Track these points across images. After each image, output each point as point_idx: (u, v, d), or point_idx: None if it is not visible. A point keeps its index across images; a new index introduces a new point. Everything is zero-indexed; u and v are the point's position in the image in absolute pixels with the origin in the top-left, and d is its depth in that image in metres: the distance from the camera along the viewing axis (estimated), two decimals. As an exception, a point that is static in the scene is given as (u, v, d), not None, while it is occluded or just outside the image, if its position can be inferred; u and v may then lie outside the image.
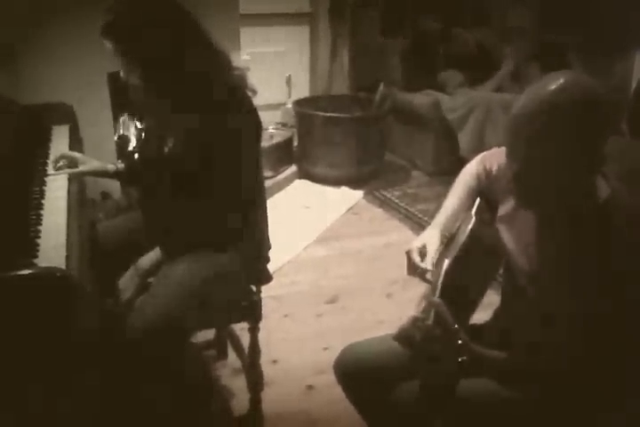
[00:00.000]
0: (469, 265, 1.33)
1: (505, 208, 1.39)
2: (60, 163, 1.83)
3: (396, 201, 3.89)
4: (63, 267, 1.30)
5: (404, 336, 1.23)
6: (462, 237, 1.35)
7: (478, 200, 1.47)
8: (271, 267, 1.90)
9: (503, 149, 1.43)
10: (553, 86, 1.10)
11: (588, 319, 1.13)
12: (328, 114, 4.05)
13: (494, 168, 1.46)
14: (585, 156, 1.12)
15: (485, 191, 1.49)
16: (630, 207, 1.19)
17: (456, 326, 1.19)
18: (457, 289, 1.29)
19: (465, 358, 1.18)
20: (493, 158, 1.47)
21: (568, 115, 1.09)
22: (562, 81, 1.11)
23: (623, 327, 1.15)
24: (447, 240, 1.49)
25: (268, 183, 3.66)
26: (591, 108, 1.10)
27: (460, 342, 1.19)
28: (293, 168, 4.18)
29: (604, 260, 1.13)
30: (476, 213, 1.43)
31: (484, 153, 1.55)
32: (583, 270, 1.14)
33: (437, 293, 1.26)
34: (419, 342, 1.20)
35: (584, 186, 1.18)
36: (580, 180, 1.16)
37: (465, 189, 1.53)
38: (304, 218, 3.63)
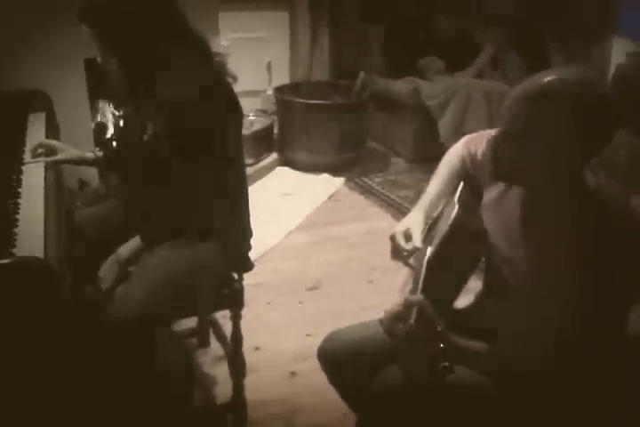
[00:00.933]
0: (452, 253, 1.33)
1: (490, 195, 1.38)
2: (38, 151, 1.81)
3: (377, 188, 3.89)
4: (41, 256, 1.29)
5: (387, 330, 1.24)
6: (445, 225, 1.35)
7: (461, 185, 1.46)
8: (253, 254, 1.90)
9: (488, 132, 1.43)
10: (557, 74, 1.13)
11: (573, 306, 1.13)
12: (309, 101, 4.03)
13: (479, 153, 1.45)
14: (583, 142, 1.13)
15: (469, 175, 1.48)
16: (614, 197, 1.19)
17: (439, 328, 1.19)
18: (439, 277, 1.29)
19: (447, 364, 1.18)
20: (478, 142, 1.46)
21: (569, 101, 1.10)
22: (566, 70, 1.14)
23: (609, 315, 1.16)
24: (429, 224, 1.49)
25: (248, 171, 3.62)
26: (593, 96, 1.11)
27: (442, 345, 1.19)
28: (274, 155, 4.16)
29: (588, 248, 1.13)
30: (459, 199, 1.42)
31: (469, 136, 1.53)
32: (567, 258, 1.15)
33: (420, 286, 1.25)
34: (401, 339, 1.20)
35: (575, 173, 1.18)
36: (573, 166, 1.17)
37: (449, 172, 1.52)
38: (285, 205, 3.62)
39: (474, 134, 1.53)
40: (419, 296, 1.21)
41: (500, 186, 1.35)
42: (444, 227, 1.35)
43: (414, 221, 1.48)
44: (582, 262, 1.13)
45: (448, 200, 1.48)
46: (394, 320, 1.22)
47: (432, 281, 1.26)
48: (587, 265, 1.12)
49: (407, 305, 1.21)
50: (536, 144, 1.13)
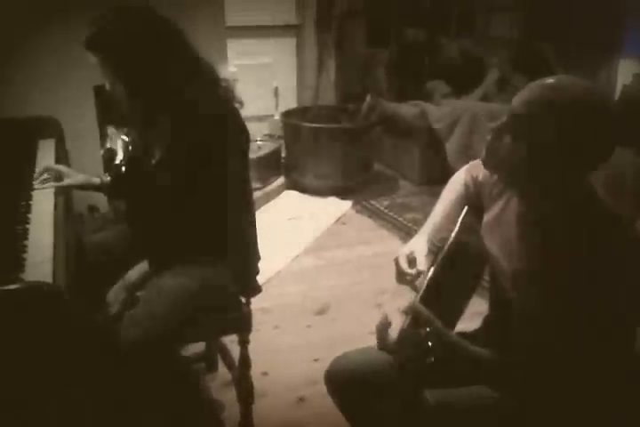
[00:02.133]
0: (453, 272, 1.35)
1: (489, 215, 1.40)
2: (45, 175, 1.83)
3: (385, 211, 3.89)
4: (50, 281, 1.29)
5: (380, 344, 1.26)
6: (447, 245, 1.37)
7: (466, 208, 1.49)
8: (260, 278, 1.90)
9: None
10: (554, 85, 1.14)
11: (572, 321, 1.13)
12: (316, 125, 4.06)
13: (480, 176, 1.48)
14: (579, 152, 1.13)
15: (473, 199, 1.51)
16: (611, 212, 1.19)
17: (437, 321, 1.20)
18: (441, 296, 1.31)
19: (433, 360, 1.19)
20: (479, 167, 1.48)
21: (569, 113, 1.11)
22: (562, 81, 1.15)
23: (607, 330, 1.15)
24: (437, 250, 1.50)
25: (256, 194, 3.66)
26: (591, 107, 1.12)
27: (429, 343, 1.20)
28: (282, 179, 4.18)
29: (585, 263, 1.13)
30: (462, 221, 1.44)
31: (472, 162, 1.57)
32: (566, 274, 1.15)
33: (418, 298, 1.27)
34: (395, 343, 1.22)
35: (571, 186, 1.19)
36: (567, 176, 1.17)
37: (453, 198, 1.56)
38: (293, 229, 3.62)
39: (475, 161, 1.55)
40: (413, 303, 1.24)
41: (499, 205, 1.37)
42: (446, 245, 1.37)
43: (418, 245, 1.50)
44: (581, 278, 1.13)
45: (452, 225, 1.50)
46: (384, 330, 1.25)
47: (436, 301, 1.26)
48: (586, 281, 1.12)
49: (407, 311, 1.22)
50: (535, 138, 1.14)
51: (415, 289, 1.45)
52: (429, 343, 1.19)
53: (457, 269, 1.37)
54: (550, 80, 1.16)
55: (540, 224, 1.25)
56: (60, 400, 1.35)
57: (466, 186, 1.54)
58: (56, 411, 1.35)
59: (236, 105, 1.69)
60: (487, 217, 1.40)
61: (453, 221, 1.51)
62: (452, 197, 1.56)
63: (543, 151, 1.14)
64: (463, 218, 1.46)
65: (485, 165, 1.27)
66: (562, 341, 1.15)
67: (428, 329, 1.20)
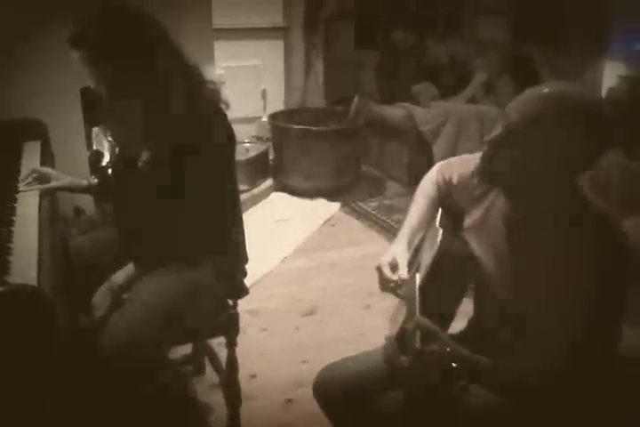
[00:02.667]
0: (442, 278, 1.34)
1: (472, 217, 1.39)
2: (30, 178, 1.81)
3: (373, 212, 3.90)
4: (35, 284, 1.28)
5: (390, 362, 1.23)
6: (431, 251, 1.36)
7: (440, 211, 1.49)
8: (248, 280, 1.89)
9: (463, 158, 1.47)
10: (552, 94, 1.15)
11: (562, 322, 1.14)
12: (303, 127, 4.06)
13: (454, 178, 1.47)
14: (575, 154, 1.14)
15: (446, 201, 1.51)
16: (598, 212, 1.20)
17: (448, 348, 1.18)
18: (432, 303, 1.30)
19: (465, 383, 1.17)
20: (452, 168, 1.49)
21: (573, 113, 1.12)
22: (558, 89, 1.16)
23: (599, 330, 1.16)
24: (413, 253, 1.50)
25: (244, 196, 3.65)
26: (592, 113, 1.14)
27: (454, 364, 1.18)
28: (270, 181, 4.18)
29: (574, 264, 1.14)
30: (440, 224, 1.43)
31: (440, 163, 1.57)
32: (555, 275, 1.15)
33: (417, 310, 1.25)
34: (408, 367, 1.19)
35: (564, 186, 1.20)
36: (562, 177, 1.18)
37: (426, 200, 1.55)
38: (281, 231, 3.62)
39: (444, 161, 1.57)
40: (417, 318, 1.21)
41: (483, 207, 1.37)
42: (430, 253, 1.36)
43: (399, 250, 1.49)
44: (571, 279, 1.13)
45: (429, 226, 1.50)
46: (394, 350, 1.22)
47: (426, 308, 1.26)
48: (574, 280, 1.13)
49: (409, 333, 1.20)
50: (531, 148, 1.15)
51: (399, 296, 1.45)
52: (454, 364, 1.17)
53: (445, 274, 1.36)
54: (546, 89, 1.16)
55: (528, 225, 1.25)
56: (44, 403, 1.33)
57: (437, 187, 1.53)
58: (39, 414, 1.34)
59: (222, 106, 1.68)
60: (470, 220, 1.40)
61: (428, 223, 1.51)
62: (424, 199, 1.56)
63: (541, 158, 1.15)
64: (440, 222, 1.45)
65: (480, 175, 1.26)
66: (556, 340, 1.14)
67: (448, 349, 1.18)
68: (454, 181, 1.47)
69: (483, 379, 1.24)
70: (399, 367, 1.22)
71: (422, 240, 1.50)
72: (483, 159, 1.23)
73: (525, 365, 1.19)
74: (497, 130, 1.19)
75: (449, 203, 1.49)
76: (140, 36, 1.56)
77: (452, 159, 1.55)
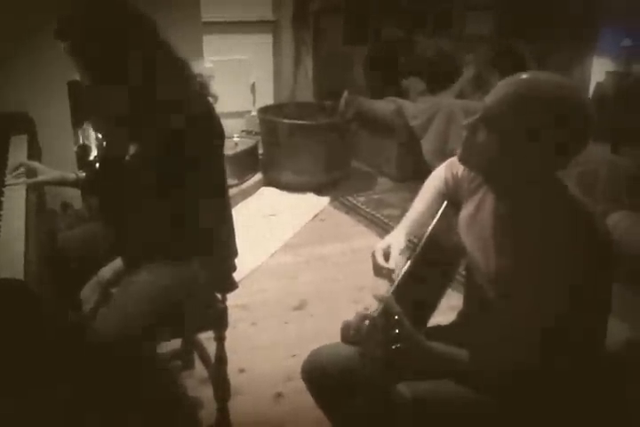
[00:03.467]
0: (428, 267, 1.36)
1: (466, 210, 1.40)
2: (19, 170, 1.80)
3: (362, 207, 3.91)
4: (22, 278, 1.28)
5: (350, 333, 1.25)
6: (423, 240, 1.38)
7: (445, 204, 1.50)
8: (238, 275, 1.89)
9: None
10: (526, 80, 1.16)
11: (549, 314, 1.14)
12: (293, 121, 4.05)
13: (459, 172, 1.49)
14: (556, 145, 1.14)
15: (452, 195, 1.52)
16: (581, 208, 1.20)
17: (398, 317, 1.18)
18: (416, 289, 1.31)
19: (399, 345, 1.17)
20: (458, 163, 1.49)
21: (540, 106, 1.12)
22: (534, 76, 1.17)
23: (585, 325, 1.16)
24: (414, 244, 1.51)
25: (233, 191, 3.65)
26: (563, 101, 1.13)
27: (398, 331, 1.18)
28: (259, 176, 4.17)
29: (559, 260, 1.14)
30: (440, 216, 1.45)
31: (452, 159, 1.56)
32: (542, 269, 1.15)
33: (391, 289, 1.28)
34: (364, 334, 1.21)
35: (545, 179, 1.20)
36: (543, 169, 1.18)
37: (432, 193, 1.57)
38: (270, 225, 3.62)
39: (454, 157, 1.56)
40: (388, 294, 1.23)
41: (476, 200, 1.37)
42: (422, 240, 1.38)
43: (395, 239, 1.52)
44: (557, 272, 1.14)
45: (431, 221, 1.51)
46: (361, 320, 1.23)
47: (410, 294, 1.27)
48: (561, 275, 1.13)
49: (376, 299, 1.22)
50: (508, 134, 1.15)
51: (391, 282, 1.46)
52: (397, 331, 1.18)
53: (432, 264, 1.39)
54: (523, 76, 1.18)
55: (512, 219, 1.26)
56: (31, 398, 1.33)
57: (445, 182, 1.55)
58: (27, 408, 1.33)
59: (210, 99, 1.67)
60: (463, 212, 1.41)
61: (432, 217, 1.52)
62: (431, 192, 1.57)
63: (515, 144, 1.15)
64: (442, 213, 1.47)
65: (461, 160, 1.27)
66: (538, 334, 1.15)
67: (396, 317, 1.19)
68: (459, 175, 1.49)
69: (456, 371, 1.24)
70: (350, 337, 1.24)
71: (422, 235, 1.51)
72: (462, 144, 1.24)
73: (500, 355, 1.19)
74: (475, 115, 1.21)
75: (454, 197, 1.50)
76: (125, 27, 1.55)
77: None
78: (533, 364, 1.15)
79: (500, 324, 1.23)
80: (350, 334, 1.25)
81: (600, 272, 1.16)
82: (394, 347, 1.16)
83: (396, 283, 1.31)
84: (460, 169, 1.48)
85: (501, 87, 1.18)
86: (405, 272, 1.33)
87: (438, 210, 1.51)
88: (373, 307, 1.31)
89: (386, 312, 1.18)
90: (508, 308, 1.22)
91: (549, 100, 1.13)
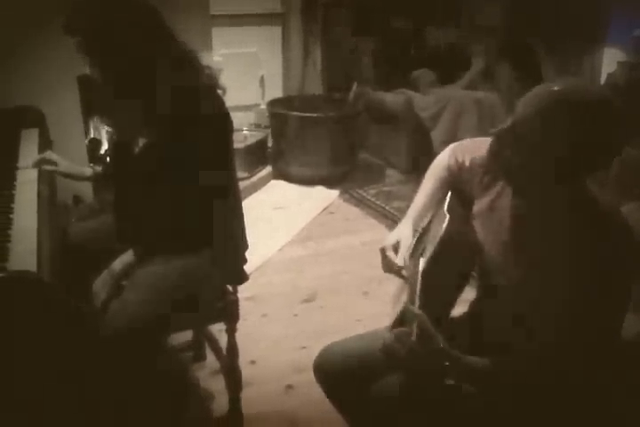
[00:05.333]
0: (446, 264, 1.32)
1: (481, 204, 1.37)
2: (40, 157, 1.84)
3: (372, 199, 3.90)
4: (34, 270, 1.29)
5: (388, 351, 1.23)
6: (437, 236, 1.34)
7: (450, 195, 1.46)
8: (248, 268, 1.89)
9: (476, 140, 1.43)
10: (563, 87, 1.12)
11: (567, 312, 1.14)
12: (302, 114, 4.05)
13: (467, 161, 1.44)
14: (587, 154, 1.11)
15: (457, 184, 1.47)
16: (607, 206, 1.19)
17: (441, 344, 1.18)
18: (435, 288, 1.29)
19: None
20: (465, 150, 1.45)
21: (584, 112, 1.09)
22: (571, 83, 1.14)
23: (604, 322, 1.16)
24: (419, 235, 1.49)
25: (243, 184, 3.65)
26: (604, 110, 1.10)
27: (445, 363, 1.18)
28: (268, 169, 4.18)
29: (580, 254, 1.13)
30: (449, 209, 1.41)
31: (454, 144, 1.53)
32: (560, 266, 1.14)
33: (417, 300, 1.24)
34: (403, 357, 1.19)
35: (578, 184, 1.18)
36: (575, 177, 1.16)
37: (436, 182, 1.52)
38: (280, 218, 3.62)
39: (457, 143, 1.53)
40: (419, 311, 1.20)
41: (492, 194, 1.34)
42: (435, 238, 1.34)
43: (403, 233, 1.48)
44: (574, 268, 1.13)
45: (436, 210, 1.48)
46: (395, 341, 1.22)
47: (428, 293, 1.25)
48: (578, 271, 1.12)
49: (409, 317, 1.21)
50: (541, 147, 1.12)
51: (402, 277, 1.44)
52: (447, 363, 1.18)
53: (449, 260, 1.34)
54: (554, 87, 1.13)
55: (532, 216, 1.24)
56: (44, 389, 1.34)
57: (449, 170, 1.49)
58: (39, 399, 1.35)
59: (219, 92, 1.67)
60: (478, 206, 1.38)
61: (436, 207, 1.49)
62: (434, 181, 1.52)
63: (545, 156, 1.12)
64: (448, 207, 1.42)
65: (488, 169, 1.25)
66: (557, 333, 1.14)
67: (441, 345, 1.18)
68: (466, 164, 1.43)
69: (476, 380, 1.24)
70: (394, 357, 1.22)
71: (429, 223, 1.48)
72: (489, 152, 1.21)
73: (524, 364, 1.19)
74: (504, 123, 1.17)
75: (459, 187, 1.46)
76: (136, 24, 1.55)
77: (465, 141, 1.50)
78: (552, 364, 1.15)
79: (515, 321, 1.22)
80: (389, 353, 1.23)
81: (619, 267, 1.14)
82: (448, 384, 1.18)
83: (418, 288, 1.27)
84: (467, 158, 1.43)
85: (531, 99, 1.14)
86: (424, 270, 1.29)
87: (443, 200, 1.45)
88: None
89: (424, 335, 1.17)
90: (526, 307, 1.21)
91: (582, 114, 1.09)
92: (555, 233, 1.19)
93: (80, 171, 1.90)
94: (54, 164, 1.86)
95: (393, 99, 4.27)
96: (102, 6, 1.55)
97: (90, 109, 2.82)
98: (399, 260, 1.43)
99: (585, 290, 1.12)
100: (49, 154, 1.90)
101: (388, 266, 1.46)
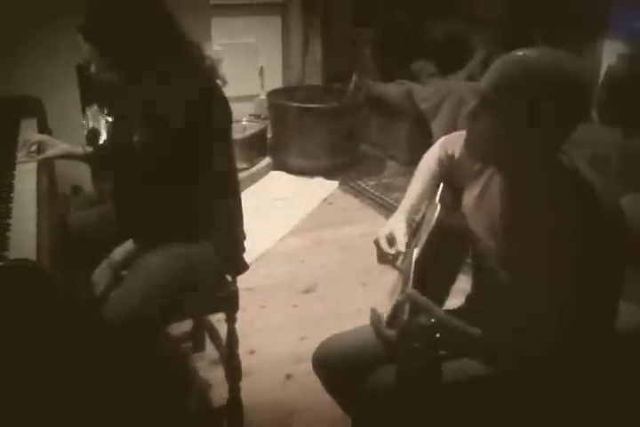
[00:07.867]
0: (438, 253, 1.34)
1: (471, 193, 1.39)
2: (32, 149, 1.82)
3: (371, 191, 3.90)
4: (34, 259, 1.29)
5: (378, 336, 1.24)
6: (429, 226, 1.36)
7: (441, 186, 1.48)
8: (247, 258, 1.89)
9: (462, 132, 1.45)
10: (519, 56, 1.15)
11: (563, 295, 1.14)
12: (302, 105, 4.04)
13: (456, 153, 1.47)
14: (554, 122, 1.13)
15: (448, 176, 1.50)
16: (594, 188, 1.19)
17: (433, 319, 1.18)
18: (428, 277, 1.30)
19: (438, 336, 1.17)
20: (455, 142, 1.48)
21: (546, 77, 1.11)
22: (529, 52, 1.15)
23: (598, 305, 1.16)
24: (414, 227, 1.50)
25: (242, 175, 3.65)
26: (571, 75, 1.11)
27: (437, 335, 1.18)
28: (268, 160, 4.17)
29: (572, 238, 1.14)
30: (440, 200, 1.43)
31: (444, 137, 1.56)
32: (552, 248, 1.15)
33: (410, 283, 1.26)
34: (395, 338, 1.20)
35: (548, 157, 1.19)
36: (544, 147, 1.17)
37: (427, 175, 1.55)
38: (279, 209, 3.62)
39: (448, 135, 1.56)
40: (407, 290, 1.21)
41: (481, 183, 1.36)
42: (427, 228, 1.36)
43: (397, 224, 1.50)
44: (568, 251, 1.13)
45: (429, 202, 1.50)
46: (381, 324, 1.23)
47: (421, 282, 1.26)
48: (572, 254, 1.13)
49: (399, 305, 1.21)
50: (508, 116, 1.14)
51: (396, 268, 1.45)
52: (437, 335, 1.18)
53: (442, 249, 1.36)
54: (513, 55, 1.16)
55: (522, 201, 1.25)
56: (43, 379, 1.34)
57: (440, 162, 1.53)
58: (41, 390, 1.35)
59: (219, 83, 1.67)
60: (469, 195, 1.40)
61: (429, 200, 1.51)
62: (426, 174, 1.55)
63: (515, 124, 1.14)
64: (440, 197, 1.44)
65: (468, 150, 1.26)
66: (553, 313, 1.15)
67: (432, 320, 1.17)
68: (456, 155, 1.47)
69: (476, 351, 1.24)
70: (387, 341, 1.23)
71: (423, 217, 1.50)
72: (466, 135, 1.23)
73: (523, 338, 1.19)
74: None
75: (450, 178, 1.48)
76: (141, 16, 1.57)
77: (455, 134, 1.53)
78: (550, 340, 1.15)
79: (513, 306, 1.23)
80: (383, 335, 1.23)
81: (612, 249, 1.15)
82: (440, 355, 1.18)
83: (411, 277, 1.28)
84: (457, 149, 1.46)
85: (493, 69, 1.17)
86: (417, 260, 1.31)
87: (435, 192, 1.48)
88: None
89: (414, 310, 1.18)
90: (522, 290, 1.21)
91: (543, 77, 1.11)
92: (541, 210, 1.20)
93: (70, 150, 1.89)
94: (42, 145, 1.85)
95: (393, 90, 4.26)
96: (112, 4, 1.56)
97: (89, 99, 2.81)
98: (395, 249, 1.43)
99: (575, 271, 1.13)
100: (35, 136, 1.90)
101: (383, 257, 1.48)
